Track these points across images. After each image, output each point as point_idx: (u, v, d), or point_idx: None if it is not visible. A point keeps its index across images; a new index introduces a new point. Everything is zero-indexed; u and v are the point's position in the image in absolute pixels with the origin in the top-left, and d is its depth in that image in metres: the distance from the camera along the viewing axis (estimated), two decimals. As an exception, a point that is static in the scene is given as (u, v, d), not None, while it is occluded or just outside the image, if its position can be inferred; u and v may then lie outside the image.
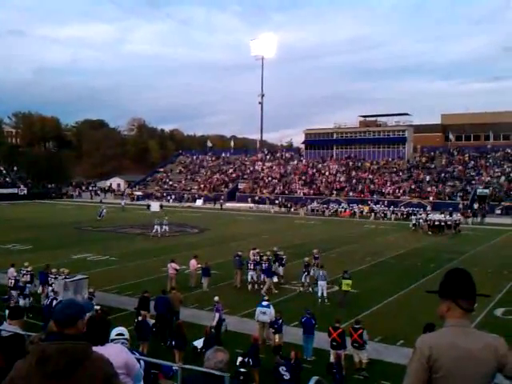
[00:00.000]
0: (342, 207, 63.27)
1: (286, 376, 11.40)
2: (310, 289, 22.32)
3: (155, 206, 66.89)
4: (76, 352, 2.73)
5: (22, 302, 18.24)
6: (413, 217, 50.32)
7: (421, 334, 3.24)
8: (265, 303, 16.30)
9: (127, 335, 5.11)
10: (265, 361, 13.00)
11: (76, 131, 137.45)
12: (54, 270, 19.97)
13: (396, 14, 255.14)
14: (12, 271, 20.84)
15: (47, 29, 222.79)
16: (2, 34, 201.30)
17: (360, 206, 62.17)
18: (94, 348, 2.98)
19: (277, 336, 15.04)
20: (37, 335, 4.54)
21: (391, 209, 59.91)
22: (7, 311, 14.57)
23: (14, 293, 19.24)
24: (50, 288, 18.61)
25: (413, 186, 68.31)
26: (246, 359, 12.31)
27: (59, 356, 2.67)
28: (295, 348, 13.03)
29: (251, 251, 24.86)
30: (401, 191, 67.83)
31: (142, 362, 4.85)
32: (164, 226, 40.39)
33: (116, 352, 3.98)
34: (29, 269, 20.36)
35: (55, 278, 19.19)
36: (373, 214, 58.00)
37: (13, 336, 4.93)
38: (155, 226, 39.91)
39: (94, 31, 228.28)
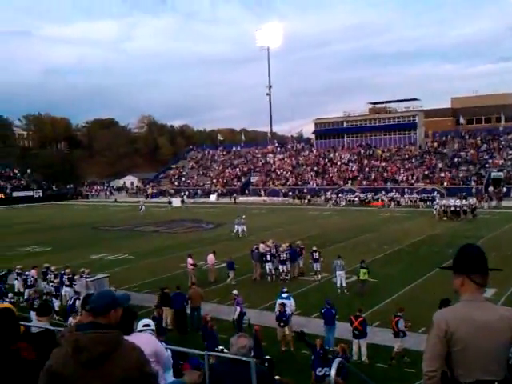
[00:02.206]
0: (375, 197, 62.11)
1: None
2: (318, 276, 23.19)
3: (176, 201, 67.52)
4: (108, 341, 2.81)
5: (56, 304, 18.66)
6: (434, 203, 49.69)
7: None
8: (284, 295, 16.34)
9: (153, 326, 5.20)
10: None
11: (86, 131, 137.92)
12: (53, 268, 21.21)
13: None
14: (33, 273, 21.29)
15: (53, 28, 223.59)
16: (8, 34, 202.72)
17: (389, 194, 61.28)
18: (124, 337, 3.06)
19: (286, 329, 15.09)
20: (67, 329, 4.62)
21: (407, 196, 59.81)
22: (31, 312, 14.91)
23: (27, 291, 20.25)
24: (51, 284, 19.91)
25: (426, 172, 67.87)
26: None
27: (92, 345, 2.75)
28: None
29: (261, 244, 25.07)
30: (414, 178, 67.42)
31: (168, 351, 4.93)
32: (242, 226, 37.51)
33: (145, 340, 4.05)
34: (67, 271, 20.48)
35: (55, 276, 20.33)
36: (392, 202, 57.75)
37: (43, 331, 5.03)
38: (236, 226, 37.57)
39: (98, 29, 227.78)
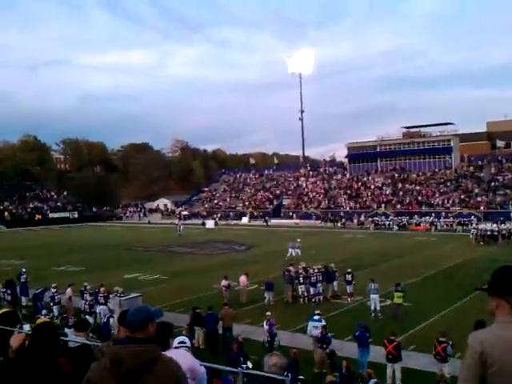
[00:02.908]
0: (413, 221, 60.93)
1: None
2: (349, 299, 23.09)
3: (210, 223, 68.17)
4: (147, 355, 2.83)
5: (90, 321, 18.86)
6: (471, 227, 49.06)
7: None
8: (316, 317, 16.22)
9: (189, 343, 5.19)
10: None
11: (122, 155, 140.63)
12: (88, 287, 21.64)
13: (433, 23, 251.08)
14: (69, 291, 21.69)
15: (90, 57, 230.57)
16: (49, 64, 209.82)
17: (425, 218, 60.32)
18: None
19: (327, 350, 14.88)
20: (104, 343, 4.68)
21: (442, 220, 58.73)
22: (66, 328, 15.13)
23: (55, 308, 21.12)
24: (86, 302, 20.54)
25: (462, 196, 66.66)
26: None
27: (131, 358, 2.77)
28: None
29: (290, 266, 25.17)
30: (450, 202, 66.26)
31: (203, 368, 4.93)
32: (296, 249, 36.42)
33: (181, 356, 4.05)
34: (102, 289, 20.83)
35: (90, 294, 20.83)
36: (433, 227, 56.74)
37: (81, 346, 5.10)
38: (289, 250, 36.60)
39: (133, 57, 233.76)
